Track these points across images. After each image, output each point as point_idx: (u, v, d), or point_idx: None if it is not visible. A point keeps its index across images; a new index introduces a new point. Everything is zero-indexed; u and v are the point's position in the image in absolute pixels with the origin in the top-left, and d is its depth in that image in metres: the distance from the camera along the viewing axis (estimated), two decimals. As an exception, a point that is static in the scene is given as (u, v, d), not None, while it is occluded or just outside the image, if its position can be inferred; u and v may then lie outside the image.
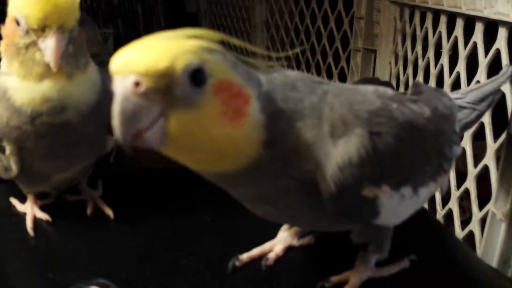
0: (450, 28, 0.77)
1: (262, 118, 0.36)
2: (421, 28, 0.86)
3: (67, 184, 0.65)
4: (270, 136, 0.37)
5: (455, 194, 0.75)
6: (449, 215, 0.77)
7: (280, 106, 0.38)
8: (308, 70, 1.29)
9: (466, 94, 0.59)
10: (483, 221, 0.69)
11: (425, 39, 0.85)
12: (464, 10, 0.71)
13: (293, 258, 0.56)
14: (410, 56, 0.90)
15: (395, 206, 0.44)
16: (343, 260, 0.53)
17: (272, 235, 0.58)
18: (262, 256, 0.56)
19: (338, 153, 0.39)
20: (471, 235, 0.71)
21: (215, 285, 0.52)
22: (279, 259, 0.56)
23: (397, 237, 0.50)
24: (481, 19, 0.68)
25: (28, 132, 0.52)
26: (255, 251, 0.56)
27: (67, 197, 0.67)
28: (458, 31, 0.75)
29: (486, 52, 0.69)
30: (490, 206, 0.66)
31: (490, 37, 0.67)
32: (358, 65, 1.08)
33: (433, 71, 0.82)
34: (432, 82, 0.82)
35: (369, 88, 0.46)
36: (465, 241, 0.72)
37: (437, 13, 0.81)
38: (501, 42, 0.65)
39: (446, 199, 0.77)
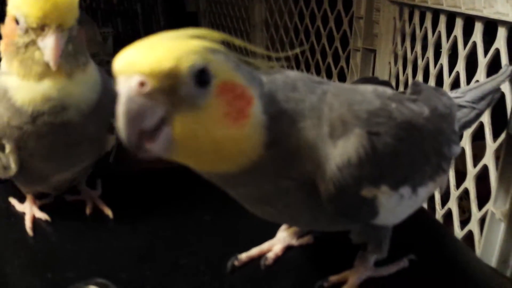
0: (450, 28, 0.77)
1: (264, 119, 0.36)
2: (421, 28, 0.86)
3: (67, 185, 0.65)
4: (271, 137, 0.37)
5: (454, 194, 0.75)
6: (448, 215, 0.77)
7: (282, 106, 0.38)
8: (308, 70, 1.29)
9: (466, 93, 0.59)
10: (482, 221, 0.69)
11: (425, 39, 0.85)
12: (463, 9, 0.71)
13: (292, 258, 0.56)
14: (409, 56, 0.90)
15: (394, 206, 0.44)
16: (342, 259, 0.53)
17: (271, 235, 0.58)
18: (261, 255, 0.56)
19: (337, 154, 0.39)
20: (470, 234, 0.71)
21: (215, 284, 0.52)
22: (278, 259, 0.56)
23: (396, 236, 0.50)
24: (480, 18, 0.68)
25: (29, 132, 0.52)
26: (254, 251, 0.56)
27: (66, 197, 0.67)
28: (458, 30, 0.75)
29: (486, 51, 0.69)
30: (489, 206, 0.66)
31: (489, 37, 0.68)
32: (357, 65, 1.08)
33: (433, 71, 0.82)
34: (432, 82, 0.82)
35: (369, 88, 0.46)
36: (464, 241, 0.72)
37: (436, 13, 0.81)
38: (500, 41, 0.65)
39: (445, 199, 0.77)
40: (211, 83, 0.33)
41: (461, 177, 0.74)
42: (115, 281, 0.49)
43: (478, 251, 0.69)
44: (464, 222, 0.74)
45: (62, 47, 0.48)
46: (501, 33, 0.65)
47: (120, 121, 0.31)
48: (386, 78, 0.98)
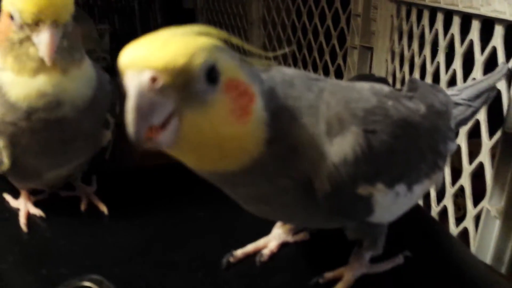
0: (447, 26, 0.77)
1: (265, 116, 0.36)
2: (418, 26, 0.86)
3: (62, 182, 0.64)
4: (272, 134, 0.37)
5: (450, 191, 0.75)
6: (443, 212, 0.77)
7: (281, 104, 0.38)
8: (305, 67, 1.29)
9: (462, 91, 0.59)
10: (477, 218, 0.69)
11: (422, 37, 0.85)
12: (461, 7, 0.71)
13: (288, 255, 0.56)
14: (406, 54, 0.90)
15: (389, 204, 0.44)
16: (337, 256, 0.53)
17: (266, 231, 0.58)
18: (256, 252, 0.56)
19: (334, 152, 0.39)
20: (465, 231, 0.72)
21: (209, 281, 0.52)
22: (273, 256, 0.56)
23: (392, 233, 0.50)
24: (477, 16, 0.68)
25: (23, 128, 0.51)
26: (249, 247, 0.56)
27: (61, 193, 0.67)
28: (455, 28, 0.75)
29: (483, 49, 0.69)
30: (484, 203, 0.67)
31: (486, 35, 0.68)
32: (354, 62, 1.08)
33: (430, 69, 0.82)
34: (429, 80, 0.82)
35: (365, 85, 0.46)
36: (460, 238, 0.72)
37: (434, 11, 0.81)
38: (497, 39, 0.65)
39: (441, 196, 0.77)
40: (219, 80, 0.33)
41: (456, 174, 0.74)
42: (110, 277, 0.49)
43: (473, 248, 0.69)
44: (460, 219, 0.74)
45: (57, 42, 0.48)
46: (498, 31, 0.65)
47: (130, 117, 0.31)
48: (383, 75, 0.98)
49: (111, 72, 0.58)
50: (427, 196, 0.81)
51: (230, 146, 0.35)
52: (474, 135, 0.71)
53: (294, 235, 0.58)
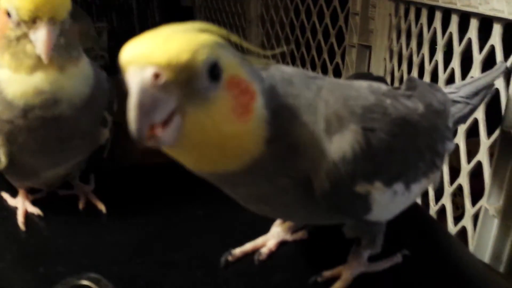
0: (445, 24, 0.77)
1: (266, 114, 0.36)
2: (416, 24, 0.86)
3: (60, 181, 0.64)
4: (272, 133, 0.36)
5: (448, 190, 0.75)
6: (442, 210, 0.77)
7: (281, 102, 0.38)
8: (303, 65, 1.29)
9: (460, 89, 0.59)
10: (475, 217, 0.69)
11: (420, 35, 0.85)
12: (459, 6, 0.71)
13: (286, 253, 0.56)
14: (404, 52, 0.90)
15: (387, 202, 0.44)
16: (336, 255, 0.53)
17: (265, 229, 0.58)
18: (255, 250, 0.55)
19: (333, 150, 0.39)
20: (463, 230, 0.72)
21: (208, 279, 0.52)
22: (272, 254, 0.55)
23: (390, 232, 0.50)
24: (476, 15, 0.68)
25: (20, 126, 0.51)
26: (248, 246, 0.56)
27: (59, 191, 0.67)
28: (453, 27, 0.75)
29: (481, 48, 0.69)
30: (483, 202, 0.67)
31: (484, 34, 0.68)
32: (353, 61, 1.08)
33: (428, 67, 0.82)
34: (427, 78, 0.82)
35: (363, 84, 0.46)
36: (458, 237, 0.72)
37: (432, 9, 0.81)
38: (495, 38, 0.65)
39: (439, 195, 0.78)
40: (221, 77, 0.33)
41: (455, 173, 0.74)
42: (108, 275, 0.49)
43: (471, 247, 0.69)
44: (458, 218, 0.74)
45: (54, 40, 0.48)
46: (496, 29, 0.65)
47: (132, 114, 0.31)
48: (381, 74, 0.98)
49: (109, 70, 0.58)
50: (425, 195, 0.81)
51: (231, 144, 0.35)
52: (472, 134, 0.71)
53: (293, 234, 0.58)
